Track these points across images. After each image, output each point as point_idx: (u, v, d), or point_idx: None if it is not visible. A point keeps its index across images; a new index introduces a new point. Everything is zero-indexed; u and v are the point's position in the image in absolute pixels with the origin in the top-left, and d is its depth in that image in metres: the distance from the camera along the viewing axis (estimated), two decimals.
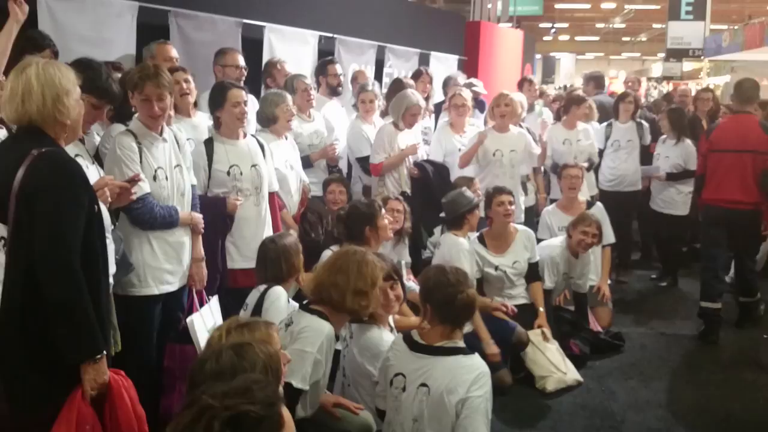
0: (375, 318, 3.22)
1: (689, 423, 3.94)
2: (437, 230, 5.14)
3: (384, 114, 5.64)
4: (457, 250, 4.29)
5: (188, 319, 3.32)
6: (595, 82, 7.80)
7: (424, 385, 2.67)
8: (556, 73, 28.32)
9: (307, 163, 4.91)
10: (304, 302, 3.05)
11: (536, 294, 4.67)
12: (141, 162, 3.22)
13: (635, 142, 6.44)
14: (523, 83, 6.94)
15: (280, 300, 3.37)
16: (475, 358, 2.70)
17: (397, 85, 5.75)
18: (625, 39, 32.22)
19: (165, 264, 3.36)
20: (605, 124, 6.61)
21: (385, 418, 2.86)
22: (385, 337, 3.22)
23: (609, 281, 5.56)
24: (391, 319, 3.47)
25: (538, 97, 7.43)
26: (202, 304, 3.51)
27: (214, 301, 3.57)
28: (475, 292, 2.81)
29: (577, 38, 33.25)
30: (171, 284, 3.40)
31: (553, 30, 27.19)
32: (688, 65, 18.12)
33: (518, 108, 5.64)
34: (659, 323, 5.59)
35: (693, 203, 6.20)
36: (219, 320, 3.57)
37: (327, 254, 4.09)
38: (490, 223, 4.74)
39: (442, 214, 4.61)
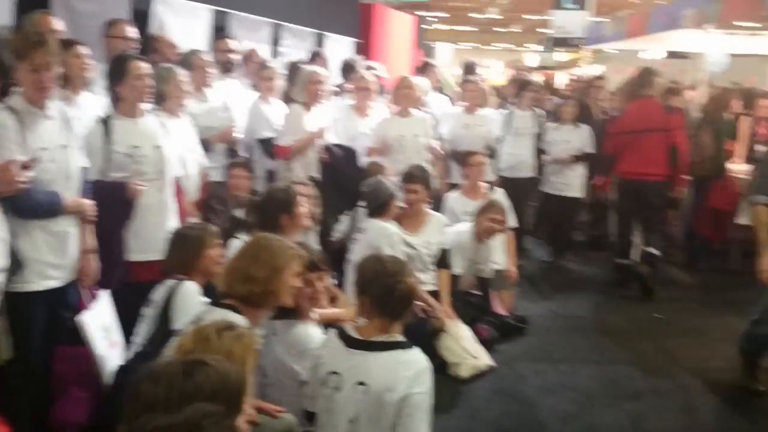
0: (300, 312, 3.02)
1: (601, 402, 4.02)
2: (361, 219, 4.97)
3: (287, 101, 5.38)
4: (386, 235, 4.15)
5: (79, 318, 3.03)
6: (467, 69, 7.91)
7: (361, 383, 2.50)
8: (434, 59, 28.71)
9: (205, 146, 4.59)
10: (216, 297, 2.81)
11: (443, 282, 4.62)
12: (24, 142, 2.84)
13: (533, 130, 6.57)
14: (425, 68, 6.88)
15: (192, 296, 3.10)
16: (416, 353, 2.56)
17: (295, 69, 5.56)
18: (499, 29, 33.19)
19: (48, 257, 3.01)
20: (506, 112, 6.70)
21: (316, 421, 2.66)
22: (312, 333, 3.03)
23: None
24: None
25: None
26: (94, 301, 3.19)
27: (104, 296, 3.26)
28: (414, 281, 2.67)
29: (454, 28, 33.89)
30: (56, 279, 3.06)
31: (428, 18, 27.52)
32: (563, 55, 18.94)
33: (419, 92, 5.56)
34: (557, 305, 5.74)
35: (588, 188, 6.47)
36: (112, 318, 3.28)
37: (235, 244, 3.85)
38: None
39: (363, 203, 4.45)
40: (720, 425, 3.77)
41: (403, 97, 5.36)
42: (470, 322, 4.59)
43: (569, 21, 10.57)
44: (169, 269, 3.24)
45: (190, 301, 3.08)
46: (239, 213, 4.40)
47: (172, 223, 3.65)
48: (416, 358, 2.54)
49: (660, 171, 5.79)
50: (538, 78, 12.89)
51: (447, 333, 4.26)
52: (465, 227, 4.96)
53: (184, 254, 3.25)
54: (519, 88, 6.78)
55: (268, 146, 5.17)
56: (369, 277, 2.63)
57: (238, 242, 3.87)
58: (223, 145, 4.92)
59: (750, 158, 6.73)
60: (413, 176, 4.60)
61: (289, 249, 2.78)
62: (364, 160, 5.28)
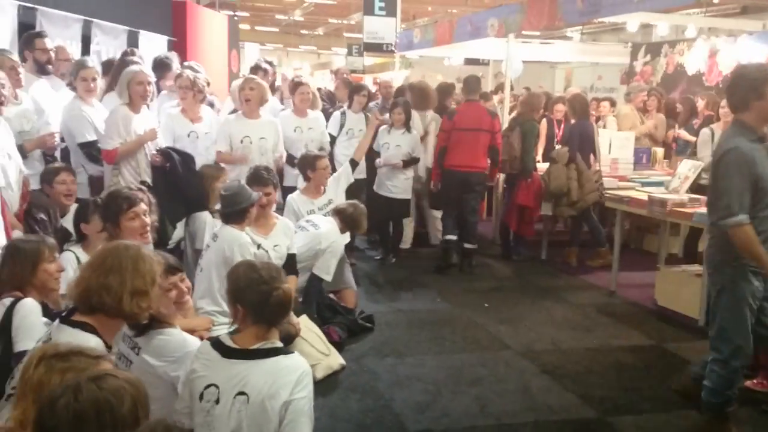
0: (161, 319, 2.83)
1: (450, 390, 4.21)
2: (201, 225, 4.76)
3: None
4: (239, 245, 4.00)
5: None
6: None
7: (241, 393, 2.41)
8: (240, 61, 28.25)
9: (20, 152, 4.16)
10: (64, 313, 2.57)
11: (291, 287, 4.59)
12: None
13: (365, 132, 6.69)
14: (258, 71, 6.75)
15: (32, 314, 2.81)
16: (296, 357, 2.52)
17: (109, 67, 5.23)
18: (303, 32, 33.37)
19: None
20: (339, 111, 6.78)
21: None
22: (185, 336, 2.85)
23: None
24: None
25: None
26: None
27: None
28: (290, 287, 2.62)
29: (258, 28, 33.53)
30: None
31: (235, 18, 27.03)
32: (370, 60, 19.45)
33: (265, 93, 5.47)
34: (396, 301, 5.93)
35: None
36: None
37: (67, 256, 3.56)
38: None
39: (219, 208, 4.27)
40: (555, 402, 4.08)
41: (245, 97, 5.24)
42: (323, 322, 4.61)
43: (380, 27, 10.91)
44: (1, 287, 2.91)
45: (32, 319, 2.79)
46: (67, 223, 4.05)
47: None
48: (297, 362, 2.50)
49: (483, 165, 6.79)
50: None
51: (300, 337, 4.23)
52: (337, 234, 4.97)
53: (19, 269, 2.94)
54: (352, 92, 6.88)
55: (90, 150, 4.81)
56: (243, 285, 2.54)
57: (70, 255, 3.59)
58: (38, 150, 4.51)
59: (547, 157, 7.42)
60: (264, 178, 4.51)
61: (150, 254, 2.61)
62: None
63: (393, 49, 10.92)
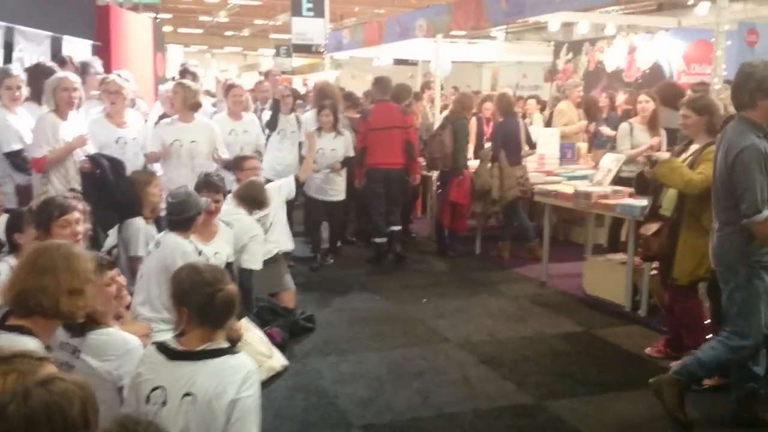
0: (97, 319, 2.81)
1: (392, 385, 4.29)
2: (135, 232, 4.68)
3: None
4: (182, 253, 3.95)
5: None
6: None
7: (188, 394, 2.43)
8: (165, 64, 27.70)
9: None
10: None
11: None
12: None
13: (297, 133, 6.71)
14: (186, 74, 6.67)
15: None
16: (242, 357, 2.55)
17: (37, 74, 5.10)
18: (228, 33, 32.96)
19: None
20: (271, 113, 6.77)
21: None
22: (125, 335, 2.84)
23: None
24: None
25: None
26: None
27: None
28: (235, 288, 2.64)
29: (181, 30, 32.92)
30: None
31: (157, 20, 26.49)
32: (300, 60, 19.41)
33: (199, 96, 5.44)
34: (336, 300, 5.99)
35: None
36: None
37: (1, 268, 3.48)
38: None
39: (168, 216, 4.19)
40: (493, 390, 4.22)
41: (171, 101, 5.18)
42: (263, 325, 4.62)
43: (309, 28, 10.93)
44: None
45: None
46: None
47: None
48: (243, 362, 2.53)
49: (401, 161, 7.06)
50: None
51: (242, 340, 4.22)
52: (250, 221, 4.97)
53: None
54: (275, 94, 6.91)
55: (16, 159, 4.69)
56: (187, 288, 2.56)
57: (4, 265, 3.50)
58: None
59: (478, 155, 7.61)
60: (216, 185, 4.47)
61: (82, 251, 2.60)
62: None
63: (322, 50, 10.95)
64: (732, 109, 4.06)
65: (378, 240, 7.11)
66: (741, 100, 3.54)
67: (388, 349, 4.89)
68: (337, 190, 6.87)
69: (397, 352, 4.85)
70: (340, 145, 6.78)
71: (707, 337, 4.29)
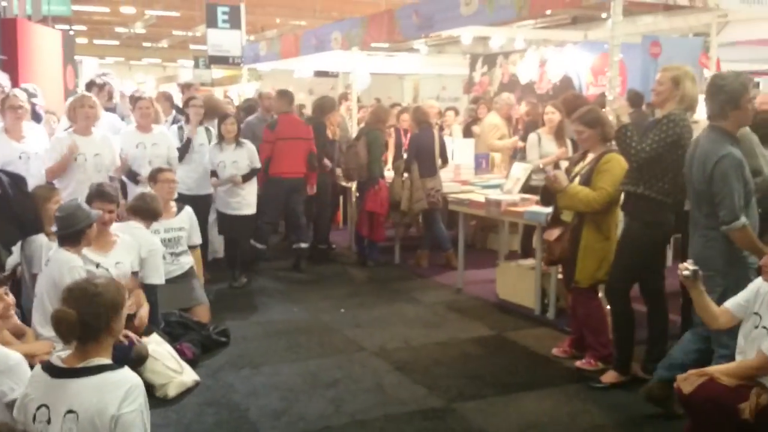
0: None
1: (305, 395, 4.31)
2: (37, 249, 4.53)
3: None
4: (69, 268, 3.86)
5: None
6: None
7: (71, 411, 2.41)
8: (79, 76, 26.91)
9: None
10: None
11: (141, 300, 4.52)
12: None
13: (206, 146, 6.63)
14: (92, 86, 6.52)
15: None
16: (125, 372, 2.53)
17: None
18: (146, 44, 32.28)
19: None
20: (177, 126, 6.66)
21: None
22: (6, 350, 2.77)
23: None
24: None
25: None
26: None
27: None
28: (109, 300, 2.60)
29: (96, 42, 32.05)
30: None
31: (71, 32, 25.73)
32: (220, 72, 19.19)
33: (99, 110, 5.34)
34: (251, 313, 5.95)
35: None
36: None
37: None
38: None
39: (55, 230, 4.07)
40: (405, 395, 4.29)
41: (83, 115, 5.08)
42: (173, 339, 4.57)
43: (225, 39, 10.86)
44: None
45: None
46: None
47: None
48: (125, 377, 2.52)
49: (303, 170, 7.26)
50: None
51: (150, 356, 4.17)
52: (147, 234, 4.90)
53: None
54: (183, 105, 6.81)
55: None
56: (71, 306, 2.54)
57: None
58: None
59: (395, 167, 7.73)
60: (109, 195, 4.39)
61: None
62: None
63: (239, 61, 10.89)
64: (625, 119, 4.28)
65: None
66: (713, 111, 3.68)
67: (303, 360, 4.90)
68: (241, 203, 6.65)
69: (313, 362, 4.86)
70: (242, 156, 6.61)
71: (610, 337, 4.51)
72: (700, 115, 5.06)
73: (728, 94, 3.60)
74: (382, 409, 4.09)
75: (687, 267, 3.36)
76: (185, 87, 9.26)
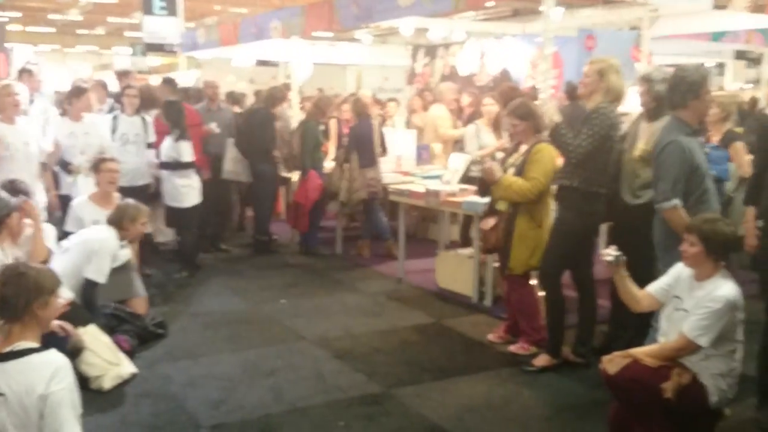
0: None
1: (245, 384, 4.31)
2: None
3: None
4: None
5: None
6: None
7: (0, 394, 2.46)
8: (11, 64, 25.97)
9: None
10: None
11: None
12: None
13: (143, 136, 6.51)
14: (23, 74, 6.33)
15: None
16: (51, 354, 2.57)
17: None
18: (81, 32, 31.38)
19: None
20: (111, 115, 6.52)
21: None
22: None
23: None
24: None
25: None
26: None
27: None
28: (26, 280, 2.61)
29: (30, 29, 31.00)
30: None
31: (3, 19, 24.81)
32: (157, 60, 18.78)
33: (23, 98, 5.19)
34: (190, 305, 5.91)
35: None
36: None
37: None
38: None
39: None
40: (345, 383, 4.33)
41: (8, 104, 4.95)
42: (110, 331, 4.51)
43: (162, 27, 10.66)
44: None
45: None
46: None
47: None
48: (51, 357, 2.57)
49: (199, 157, 6.98)
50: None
51: (87, 348, 4.11)
52: (108, 233, 4.83)
53: None
54: (120, 94, 6.68)
55: None
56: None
57: None
58: None
59: (335, 157, 7.74)
60: (19, 191, 4.29)
61: None
62: None
63: (176, 49, 10.73)
64: (556, 118, 4.37)
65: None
66: (674, 101, 3.86)
67: (242, 351, 4.89)
68: (172, 195, 6.57)
69: (252, 352, 4.87)
70: (176, 148, 6.53)
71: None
72: (629, 107, 5.27)
73: (689, 85, 3.79)
74: (321, 397, 4.13)
75: (609, 253, 3.51)
76: (122, 75, 9.05)
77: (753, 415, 3.79)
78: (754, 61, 12.65)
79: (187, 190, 6.59)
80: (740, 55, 12.06)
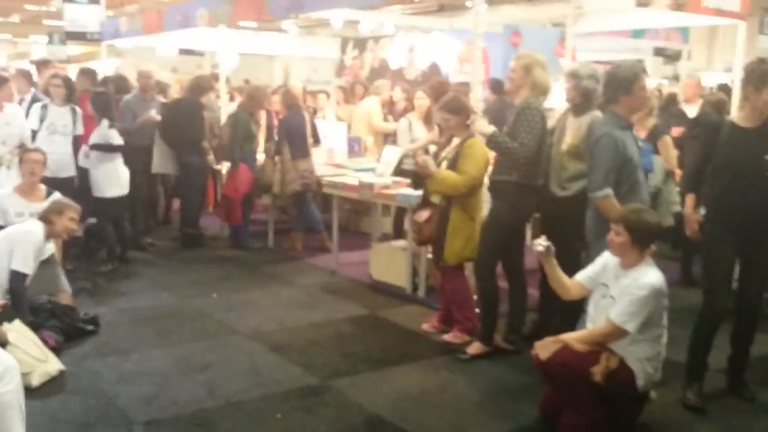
0: None
1: (177, 380, 4.24)
2: None
3: None
4: None
5: None
6: None
7: None
8: None
9: None
10: None
11: None
12: None
13: (71, 127, 6.30)
14: None
15: None
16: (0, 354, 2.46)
17: None
18: None
19: None
20: (40, 104, 6.28)
21: None
22: None
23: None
24: None
25: None
26: None
27: None
28: None
29: None
30: None
31: None
32: (77, 49, 18.09)
33: None
34: (118, 301, 5.76)
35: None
36: None
37: None
38: None
39: None
40: (281, 375, 4.32)
41: None
42: (35, 327, 4.36)
43: (83, 14, 10.29)
44: None
45: None
46: None
47: None
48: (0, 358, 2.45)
49: None
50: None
51: (12, 344, 3.95)
52: (35, 227, 4.65)
53: None
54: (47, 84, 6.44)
55: None
56: None
57: None
58: None
59: (266, 149, 7.67)
60: None
61: None
62: None
63: (98, 37, 10.38)
64: (488, 130, 4.45)
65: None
66: (607, 96, 4.03)
67: (173, 346, 4.81)
68: (100, 185, 6.44)
69: (184, 348, 4.78)
70: (98, 135, 6.40)
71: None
72: (554, 103, 5.43)
73: (620, 81, 3.95)
74: (257, 390, 4.10)
75: (541, 243, 3.62)
76: (41, 64, 8.71)
77: (678, 397, 3.98)
78: (672, 57, 13.22)
79: (114, 179, 6.46)
80: (659, 52, 12.56)
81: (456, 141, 4.82)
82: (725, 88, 8.49)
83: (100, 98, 6.59)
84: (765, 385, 4.17)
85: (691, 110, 7.29)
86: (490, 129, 4.46)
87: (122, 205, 6.63)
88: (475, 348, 4.62)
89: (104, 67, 12.27)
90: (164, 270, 6.73)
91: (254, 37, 12.16)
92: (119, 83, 7.88)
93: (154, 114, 7.19)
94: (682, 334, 4.05)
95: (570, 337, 3.56)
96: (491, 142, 4.44)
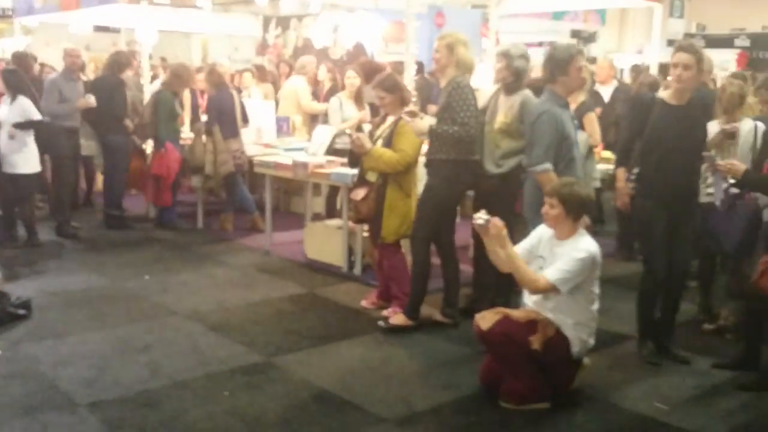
0: None
1: (118, 361, 4.19)
2: None
3: None
4: None
5: None
6: None
7: None
8: None
9: None
10: None
11: None
12: None
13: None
14: None
15: None
16: None
17: None
18: None
19: None
20: None
21: None
22: None
23: None
24: None
25: None
26: None
27: None
28: None
29: None
30: None
31: None
32: None
33: None
34: (47, 283, 5.61)
35: None
36: None
37: None
38: None
39: None
40: (224, 354, 4.32)
41: None
42: None
43: None
44: None
45: None
46: None
47: None
48: None
49: None
50: None
51: None
52: None
53: None
54: None
55: None
56: None
57: None
58: None
59: (194, 129, 7.55)
60: None
61: None
62: None
63: (10, 14, 9.88)
64: (425, 130, 4.56)
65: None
66: (545, 76, 4.23)
67: (110, 328, 4.73)
68: (19, 159, 6.29)
69: (121, 329, 4.72)
70: (15, 114, 6.26)
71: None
72: (480, 83, 5.60)
73: (556, 62, 4.16)
74: (201, 369, 4.11)
75: (481, 216, 3.76)
76: None
77: (607, 363, 4.23)
78: (587, 39, 13.75)
79: (30, 154, 6.31)
80: (575, 34, 13.06)
81: (391, 119, 4.91)
82: (638, 69, 8.92)
83: (12, 75, 6.40)
84: (687, 348, 4.46)
85: (606, 91, 7.62)
86: (426, 126, 4.56)
87: (36, 182, 6.45)
88: (397, 319, 4.74)
89: (14, 45, 11.70)
90: (92, 253, 6.57)
91: (173, 13, 11.84)
92: (21, 61, 7.57)
93: (91, 99, 6.97)
94: (614, 306, 4.30)
95: (510, 253, 3.62)
96: (432, 135, 4.54)
